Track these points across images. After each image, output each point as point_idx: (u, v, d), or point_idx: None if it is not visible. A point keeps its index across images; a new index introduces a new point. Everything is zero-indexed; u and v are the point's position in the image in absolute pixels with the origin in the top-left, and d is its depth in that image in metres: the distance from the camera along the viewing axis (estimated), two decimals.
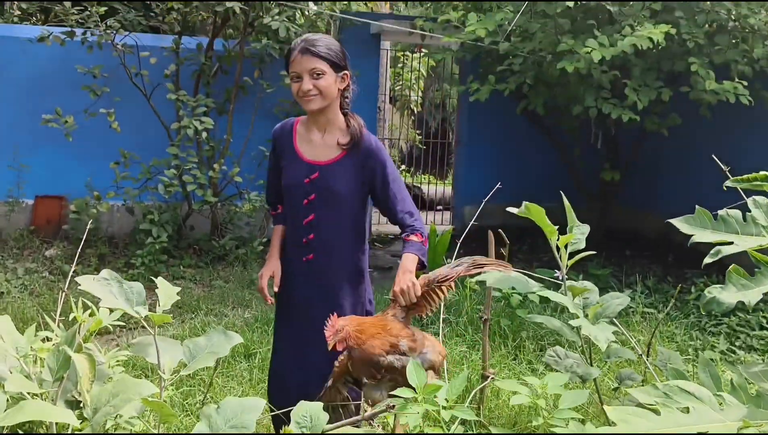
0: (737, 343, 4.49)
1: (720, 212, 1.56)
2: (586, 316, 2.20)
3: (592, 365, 2.16)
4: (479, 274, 2.25)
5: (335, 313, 2.19)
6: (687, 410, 1.24)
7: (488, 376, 3.15)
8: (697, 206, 1.62)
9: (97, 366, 1.93)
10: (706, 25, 5.29)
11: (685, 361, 3.20)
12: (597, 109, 5.46)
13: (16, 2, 7.89)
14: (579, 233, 2.35)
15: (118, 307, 1.92)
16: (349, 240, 2.56)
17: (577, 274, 4.68)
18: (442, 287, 2.34)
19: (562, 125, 6.93)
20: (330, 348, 2.11)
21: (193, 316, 4.87)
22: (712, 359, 4.17)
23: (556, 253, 2.27)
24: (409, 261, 2.40)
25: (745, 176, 1.36)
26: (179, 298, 2.13)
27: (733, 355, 4.32)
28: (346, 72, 2.47)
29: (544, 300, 4.68)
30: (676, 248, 6.93)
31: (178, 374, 1.98)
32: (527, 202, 2.22)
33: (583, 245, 2.32)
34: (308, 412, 1.99)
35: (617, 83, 5.60)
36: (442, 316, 3.52)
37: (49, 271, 5.89)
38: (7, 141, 6.60)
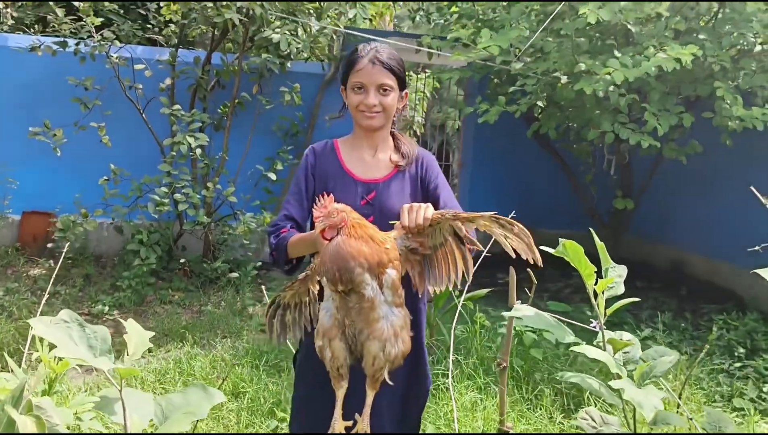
0: (765, 389, 4.17)
1: None
2: (629, 375, 1.89)
3: (635, 433, 1.84)
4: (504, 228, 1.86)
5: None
6: None
7: (506, 432, 2.84)
8: None
9: (49, 429, 1.61)
10: (732, 49, 5.01)
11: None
12: (614, 134, 5.17)
13: (9, 11, 7.63)
14: (617, 276, 2.05)
15: (78, 358, 1.60)
16: None
17: (591, 309, 4.35)
18: (458, 243, 1.90)
19: (573, 150, 6.64)
20: (318, 231, 1.80)
21: (180, 345, 4.54)
22: (742, 408, 3.84)
23: (592, 299, 1.96)
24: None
25: None
26: (152, 344, 1.83)
27: (763, 402, 3.98)
28: (406, 91, 2.29)
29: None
30: (689, 281, 6.62)
31: None
32: (564, 240, 1.92)
33: (621, 290, 2.01)
34: None
35: (633, 107, 5.31)
36: (451, 356, 3.20)
37: (31, 292, 5.56)
38: None
